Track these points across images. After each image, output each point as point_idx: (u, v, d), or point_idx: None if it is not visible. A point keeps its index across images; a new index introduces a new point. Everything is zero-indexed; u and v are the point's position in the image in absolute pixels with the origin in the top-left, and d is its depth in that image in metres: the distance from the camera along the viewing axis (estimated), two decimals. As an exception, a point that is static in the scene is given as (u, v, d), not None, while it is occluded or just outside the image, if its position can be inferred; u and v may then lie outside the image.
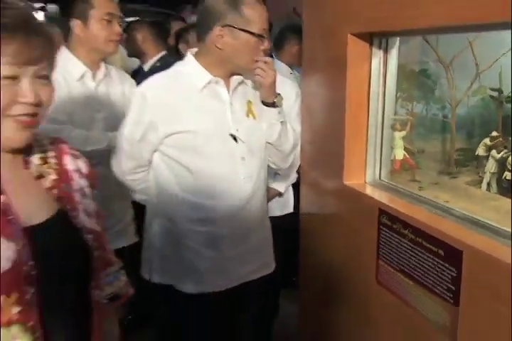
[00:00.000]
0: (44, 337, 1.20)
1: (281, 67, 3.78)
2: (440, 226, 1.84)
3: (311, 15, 2.64)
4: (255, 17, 2.05)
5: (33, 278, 1.17)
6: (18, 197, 1.20)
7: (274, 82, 2.16)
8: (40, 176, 1.29)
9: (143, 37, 3.80)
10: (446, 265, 1.75)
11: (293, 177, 2.85)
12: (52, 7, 7.71)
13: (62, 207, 1.28)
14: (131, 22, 3.76)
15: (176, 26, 4.51)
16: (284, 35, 4.03)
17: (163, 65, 3.17)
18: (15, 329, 1.15)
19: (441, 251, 1.78)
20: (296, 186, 2.90)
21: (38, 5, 12.75)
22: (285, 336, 3.30)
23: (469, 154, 2.25)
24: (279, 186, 2.86)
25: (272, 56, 3.82)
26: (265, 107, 2.22)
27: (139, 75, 3.56)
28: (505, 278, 1.49)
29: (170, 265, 2.21)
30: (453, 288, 1.73)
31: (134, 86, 2.70)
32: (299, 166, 2.75)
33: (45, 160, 1.32)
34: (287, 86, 2.69)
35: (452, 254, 1.72)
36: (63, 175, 1.33)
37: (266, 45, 2.15)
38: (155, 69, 3.13)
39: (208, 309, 2.18)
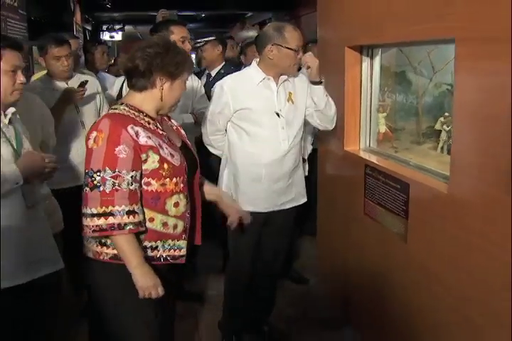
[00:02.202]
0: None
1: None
2: (400, 171, 2.89)
3: (322, 34, 3.80)
4: (292, 38, 3.01)
5: (185, 170, 2.28)
6: (170, 134, 2.33)
7: (318, 66, 3.16)
8: (172, 125, 2.45)
9: (215, 51, 4.86)
10: (401, 194, 2.80)
11: (309, 149, 3.92)
12: (129, 28, 8.88)
13: (182, 139, 2.42)
14: (208, 41, 4.77)
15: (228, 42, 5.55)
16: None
17: (226, 71, 4.35)
18: (179, 196, 2.26)
19: (398, 186, 2.83)
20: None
21: (118, 26, 13.98)
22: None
23: (431, 129, 3.25)
24: (304, 154, 3.90)
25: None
26: (313, 86, 3.22)
27: (208, 78, 4.72)
28: (438, 199, 2.48)
29: (232, 193, 3.22)
30: (404, 208, 2.78)
31: (200, 83, 3.84)
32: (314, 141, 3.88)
33: (169, 119, 2.47)
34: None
35: (404, 187, 2.77)
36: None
37: (300, 56, 3.15)
38: (220, 74, 4.36)
39: (252, 224, 2.96)
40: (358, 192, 3.30)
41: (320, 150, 3.98)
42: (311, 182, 4.02)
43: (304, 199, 3.39)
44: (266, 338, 3.49)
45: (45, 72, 3.68)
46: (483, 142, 2.15)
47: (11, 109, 2.29)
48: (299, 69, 3.30)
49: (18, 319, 2.39)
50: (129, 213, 2.10)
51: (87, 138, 2.15)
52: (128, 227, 2.09)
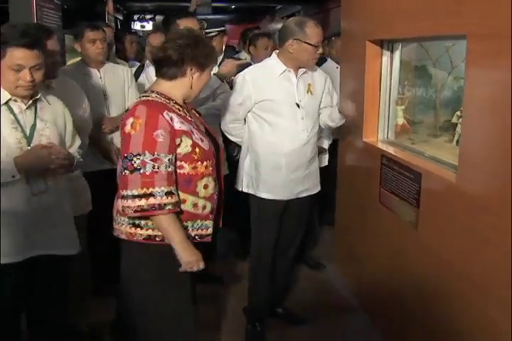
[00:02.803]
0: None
1: (331, 64, 4.99)
2: (414, 161, 3.01)
3: (345, 27, 3.90)
4: (313, 34, 3.08)
5: (213, 154, 2.41)
6: (196, 121, 2.46)
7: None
8: (195, 113, 2.57)
9: (223, 41, 4.97)
10: (414, 183, 2.92)
11: (331, 139, 4.03)
12: (160, 18, 9.03)
13: (204, 126, 2.54)
14: (219, 31, 4.89)
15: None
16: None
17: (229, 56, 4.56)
18: (208, 178, 2.37)
19: (411, 175, 2.94)
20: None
21: (149, 16, 14.14)
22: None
23: (448, 123, 3.35)
24: (325, 144, 4.02)
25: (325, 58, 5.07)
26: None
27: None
28: (448, 189, 2.61)
29: (253, 181, 3.35)
30: (416, 197, 2.89)
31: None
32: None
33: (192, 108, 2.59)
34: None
35: (416, 176, 2.88)
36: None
37: (320, 51, 3.25)
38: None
39: (273, 211, 3.31)
40: (374, 181, 3.41)
41: (340, 141, 4.10)
42: (330, 172, 4.16)
43: (318, 189, 3.50)
44: (282, 320, 3.63)
45: (79, 58, 3.83)
46: (490, 135, 2.25)
47: (36, 95, 2.37)
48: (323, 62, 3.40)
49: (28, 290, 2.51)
50: (167, 194, 2.21)
51: (123, 124, 2.25)
52: (167, 207, 2.21)
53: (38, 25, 2.58)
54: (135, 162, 2.19)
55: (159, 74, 2.40)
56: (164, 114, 2.25)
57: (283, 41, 3.17)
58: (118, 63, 4.31)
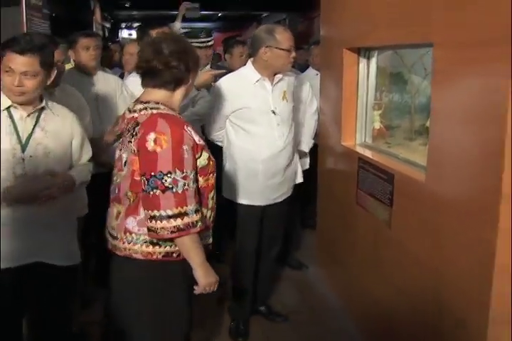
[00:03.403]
0: None
1: (311, 71, 5.14)
2: (387, 163, 3.15)
3: (323, 35, 4.07)
4: (284, 39, 3.17)
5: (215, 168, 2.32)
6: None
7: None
8: None
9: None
10: (387, 184, 3.06)
11: (311, 143, 4.17)
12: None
13: None
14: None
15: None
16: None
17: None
18: (215, 189, 2.33)
19: (385, 176, 3.09)
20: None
21: (136, 24, 14.22)
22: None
23: (423, 127, 3.48)
24: (305, 148, 4.14)
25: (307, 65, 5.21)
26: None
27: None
28: (418, 189, 2.74)
29: (232, 188, 3.46)
30: (390, 197, 3.03)
31: None
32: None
33: None
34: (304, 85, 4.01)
35: (390, 177, 3.03)
36: None
37: (293, 55, 3.34)
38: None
39: (251, 216, 3.43)
40: (352, 183, 3.56)
41: (320, 145, 4.26)
42: (312, 176, 4.31)
43: (289, 194, 3.60)
44: (265, 318, 3.76)
45: (71, 65, 3.91)
46: (455, 137, 2.39)
47: (40, 104, 2.40)
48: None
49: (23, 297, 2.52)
50: (196, 211, 2.15)
51: (144, 140, 2.11)
52: (199, 224, 2.15)
53: (44, 36, 2.53)
54: (166, 180, 2.09)
55: (157, 84, 2.25)
56: (185, 128, 2.18)
57: (255, 50, 3.26)
58: (106, 71, 4.40)
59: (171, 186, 2.09)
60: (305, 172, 4.25)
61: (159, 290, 2.29)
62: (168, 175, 2.08)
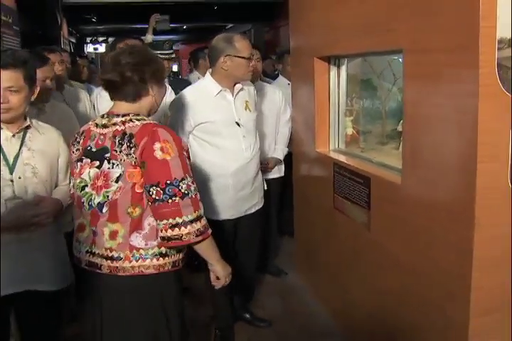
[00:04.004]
0: None
1: (283, 80, 5.15)
2: (363, 168, 3.23)
3: (293, 45, 4.17)
4: (243, 47, 3.11)
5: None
6: None
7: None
8: None
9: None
10: (363, 187, 3.14)
11: (285, 151, 4.25)
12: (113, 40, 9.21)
13: None
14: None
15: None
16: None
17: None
18: None
19: (361, 180, 3.17)
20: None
21: (101, 38, 14.20)
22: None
23: (394, 131, 3.58)
24: (280, 155, 4.23)
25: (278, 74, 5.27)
26: None
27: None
28: (394, 191, 2.82)
29: (203, 203, 3.46)
30: (367, 200, 3.11)
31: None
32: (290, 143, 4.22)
33: None
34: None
35: (366, 181, 3.11)
36: None
37: (253, 63, 3.37)
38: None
39: (224, 230, 3.31)
40: (328, 189, 3.63)
41: (294, 152, 4.34)
42: (288, 184, 4.39)
43: (261, 205, 3.60)
44: (249, 324, 3.80)
45: None
46: (428, 140, 2.48)
47: (24, 123, 2.35)
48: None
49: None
50: (204, 214, 2.24)
51: (151, 150, 2.13)
52: (208, 225, 2.25)
53: (28, 52, 2.53)
54: (181, 187, 2.14)
55: (119, 97, 2.28)
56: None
57: (214, 60, 3.18)
58: (73, 86, 4.40)
59: (186, 192, 2.15)
60: (280, 180, 4.35)
61: (168, 301, 2.32)
62: (183, 182, 2.14)
